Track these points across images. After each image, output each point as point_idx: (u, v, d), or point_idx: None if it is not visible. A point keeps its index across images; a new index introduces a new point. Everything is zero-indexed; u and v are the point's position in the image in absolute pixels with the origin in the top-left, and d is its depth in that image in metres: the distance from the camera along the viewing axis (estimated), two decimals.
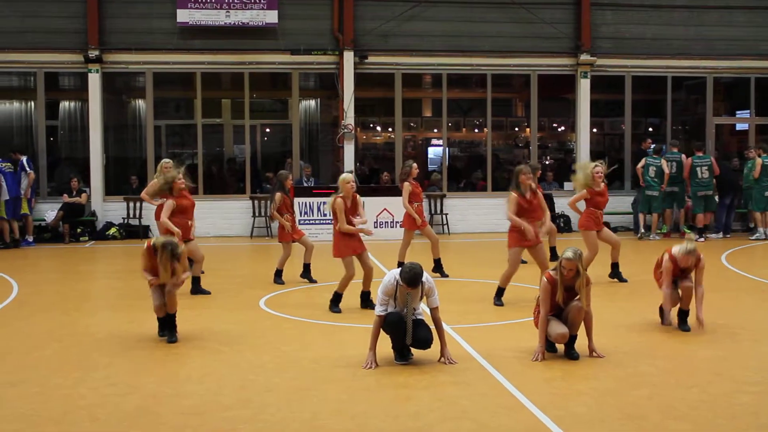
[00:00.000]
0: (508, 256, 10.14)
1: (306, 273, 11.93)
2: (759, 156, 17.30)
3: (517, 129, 21.93)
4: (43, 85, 18.41)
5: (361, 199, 9.92)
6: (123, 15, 18.25)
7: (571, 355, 7.52)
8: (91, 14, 17.96)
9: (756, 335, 8.59)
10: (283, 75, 19.49)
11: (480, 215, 18.93)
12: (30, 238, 16.86)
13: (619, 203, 18.58)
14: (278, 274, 11.91)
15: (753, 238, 16.99)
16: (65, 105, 20.12)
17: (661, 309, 8.90)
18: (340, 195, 9.68)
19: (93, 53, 17.92)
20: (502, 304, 10.01)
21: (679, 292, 8.56)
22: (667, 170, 17.18)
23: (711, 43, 19.69)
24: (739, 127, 21.60)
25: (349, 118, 18.64)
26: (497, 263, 12.73)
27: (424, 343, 7.36)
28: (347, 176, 9.87)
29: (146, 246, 8.29)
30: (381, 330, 7.33)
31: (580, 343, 7.58)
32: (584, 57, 19.12)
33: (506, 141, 21.94)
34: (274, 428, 5.86)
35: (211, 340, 8.41)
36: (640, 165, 17.55)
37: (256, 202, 18.28)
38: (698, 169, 17.22)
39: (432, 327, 7.44)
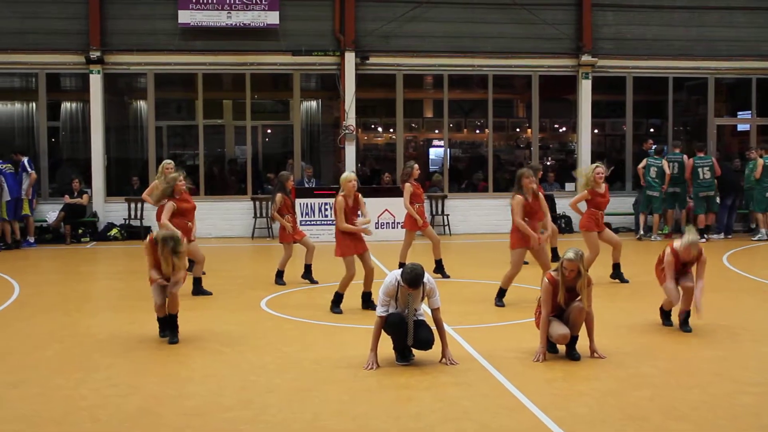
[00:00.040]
0: (511, 258, 10.14)
1: (307, 274, 11.94)
2: (760, 157, 17.29)
3: (518, 130, 21.93)
4: (45, 86, 18.43)
5: (363, 199, 9.93)
6: (124, 16, 18.27)
7: (572, 355, 7.52)
8: (93, 15, 17.98)
9: (757, 336, 8.58)
10: (284, 76, 19.51)
11: (481, 216, 18.93)
12: (31, 239, 16.87)
13: (621, 204, 18.57)
14: (279, 275, 11.91)
15: (755, 239, 16.98)
16: (67, 106, 20.14)
17: (661, 309, 8.90)
18: (342, 193, 9.70)
19: (94, 54, 17.94)
20: (503, 305, 10.01)
21: (680, 290, 8.54)
22: (668, 171, 17.17)
23: (712, 43, 19.69)
24: (741, 127, 21.59)
25: (351, 119, 18.65)
26: (498, 264, 12.75)
27: (426, 343, 7.36)
28: (349, 175, 9.87)
29: (149, 239, 8.34)
30: (382, 331, 7.33)
31: (582, 344, 7.58)
32: (585, 58, 19.12)
33: (507, 142, 21.93)
34: (276, 429, 5.86)
35: (212, 340, 8.41)
36: (641, 165, 17.55)
37: (257, 203, 18.29)
38: (700, 169, 17.21)
39: (433, 328, 7.44)
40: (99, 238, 17.66)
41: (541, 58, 19.30)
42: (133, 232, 17.71)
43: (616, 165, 19.33)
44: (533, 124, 19.73)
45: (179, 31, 18.32)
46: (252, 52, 18.60)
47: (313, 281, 11.85)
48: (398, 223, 16.67)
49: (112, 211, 18.22)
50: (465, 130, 22.15)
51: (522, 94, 21.17)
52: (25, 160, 16.99)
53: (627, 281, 11.70)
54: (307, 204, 17.39)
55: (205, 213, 16.57)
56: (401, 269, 7.28)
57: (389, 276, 7.34)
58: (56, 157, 19.75)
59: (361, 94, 18.96)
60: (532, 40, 19.20)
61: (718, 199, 17.53)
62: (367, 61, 18.69)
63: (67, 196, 17.66)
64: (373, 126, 22.07)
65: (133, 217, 17.94)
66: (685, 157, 17.46)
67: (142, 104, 19.75)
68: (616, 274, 11.79)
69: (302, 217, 16.94)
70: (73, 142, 20.12)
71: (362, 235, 9.80)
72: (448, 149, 20.07)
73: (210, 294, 10.99)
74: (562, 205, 17.71)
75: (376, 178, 19.97)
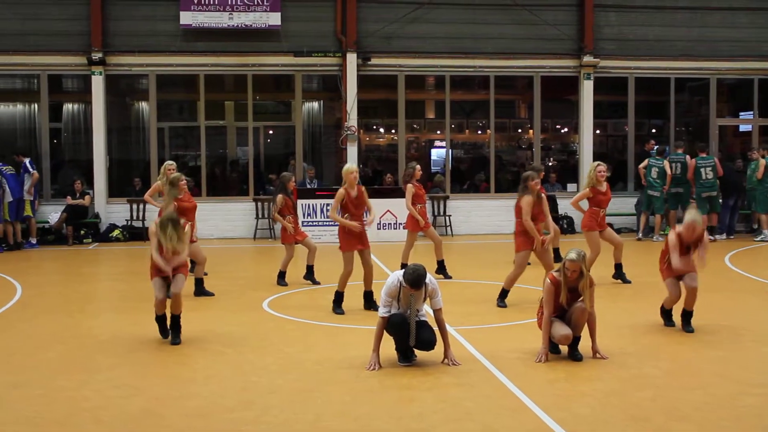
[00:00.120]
0: (515, 259, 10.16)
1: (309, 275, 11.94)
2: (762, 157, 17.27)
3: (520, 130, 21.91)
4: (47, 87, 18.44)
5: (366, 195, 9.96)
6: (126, 17, 18.28)
7: (574, 356, 7.51)
8: (95, 17, 17.99)
9: (760, 336, 8.56)
10: (286, 77, 19.51)
11: (483, 217, 18.93)
12: (33, 240, 16.88)
13: (622, 205, 18.56)
14: (281, 275, 11.91)
15: (758, 239, 16.96)
16: (68, 107, 20.14)
17: (662, 308, 8.89)
18: (344, 185, 9.75)
19: (96, 56, 17.95)
20: (505, 306, 10.01)
21: (682, 288, 8.54)
22: (669, 172, 17.15)
23: (714, 44, 19.67)
24: (743, 128, 21.57)
25: (352, 119, 18.65)
26: (500, 265, 12.76)
27: (428, 344, 7.36)
28: (350, 166, 9.92)
29: (153, 223, 8.37)
30: (384, 331, 7.34)
31: (584, 345, 7.57)
32: (587, 58, 19.12)
33: (509, 142, 21.91)
34: (278, 430, 5.86)
35: (214, 341, 8.42)
36: (642, 165, 17.54)
37: (259, 203, 18.29)
38: (702, 170, 17.19)
39: (435, 328, 7.44)
40: (101, 240, 17.67)
41: (543, 59, 19.29)
42: (135, 233, 17.72)
43: (618, 166, 19.33)
44: (535, 125, 19.72)
45: (181, 33, 18.33)
46: (254, 53, 18.61)
47: (315, 282, 11.85)
48: (400, 223, 16.67)
49: (114, 212, 18.23)
50: (467, 130, 22.15)
51: (524, 95, 21.16)
52: (27, 160, 17.00)
53: (629, 282, 11.70)
54: (308, 205, 17.40)
55: (207, 214, 16.58)
56: (403, 270, 7.29)
57: (391, 277, 7.34)
58: (58, 158, 19.75)
59: (363, 95, 18.97)
60: (534, 41, 19.20)
61: (720, 200, 17.52)
62: (369, 62, 18.69)
63: (69, 197, 17.67)
64: (374, 127, 22.07)
65: (135, 218, 17.94)
66: (687, 157, 17.45)
67: (143, 105, 19.76)
68: (618, 274, 11.80)
69: (304, 218, 16.96)
70: (75, 144, 20.12)
71: (365, 233, 9.85)
72: (450, 150, 20.06)
73: (212, 295, 11.00)
74: (564, 206, 17.71)
75: (378, 179, 19.96)
